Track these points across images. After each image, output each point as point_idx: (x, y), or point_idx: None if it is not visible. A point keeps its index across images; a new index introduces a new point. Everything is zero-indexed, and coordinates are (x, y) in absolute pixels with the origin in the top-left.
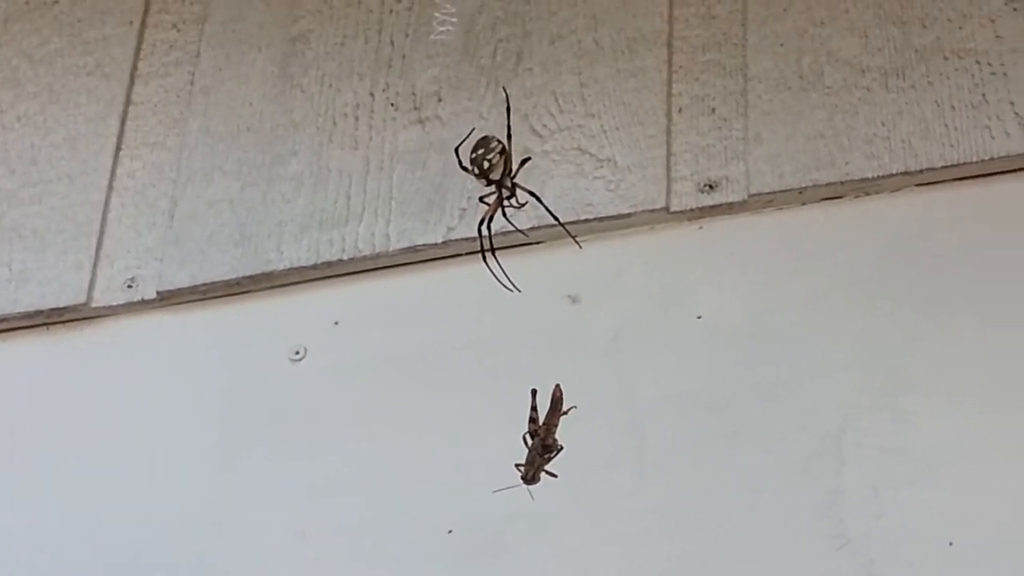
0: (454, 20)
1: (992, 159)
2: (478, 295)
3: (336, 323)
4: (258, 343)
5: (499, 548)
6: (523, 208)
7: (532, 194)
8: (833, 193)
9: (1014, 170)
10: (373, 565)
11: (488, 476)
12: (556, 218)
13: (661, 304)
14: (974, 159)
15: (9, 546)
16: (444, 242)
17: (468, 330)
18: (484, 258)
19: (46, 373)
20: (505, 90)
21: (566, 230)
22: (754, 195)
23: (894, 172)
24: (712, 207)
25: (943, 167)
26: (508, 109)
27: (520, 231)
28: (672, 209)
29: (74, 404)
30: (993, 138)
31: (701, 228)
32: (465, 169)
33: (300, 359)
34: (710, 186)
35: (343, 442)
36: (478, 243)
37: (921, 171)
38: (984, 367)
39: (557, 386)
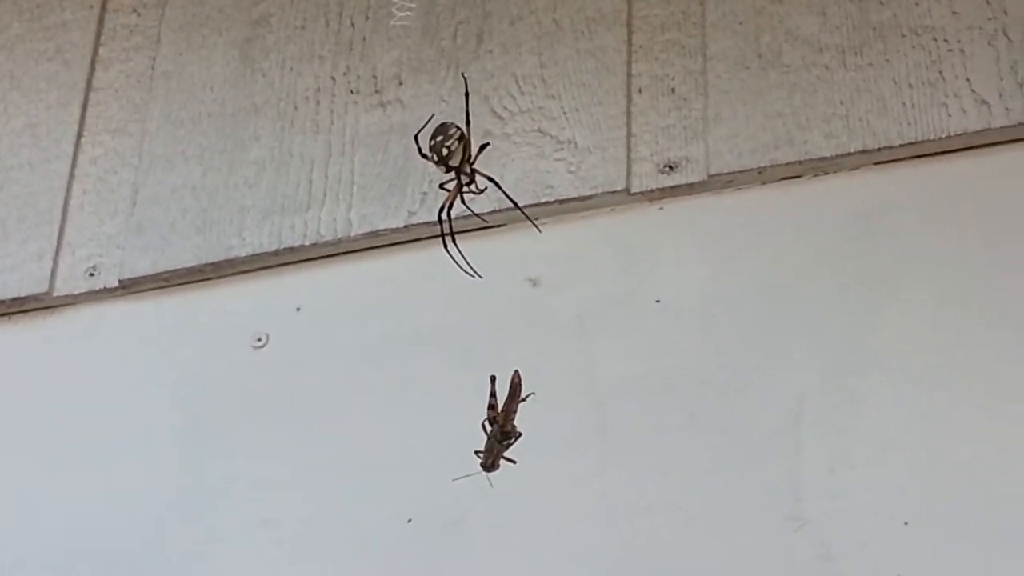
0: (412, 5)
1: (949, 136)
2: (439, 280)
3: (298, 309)
4: (220, 330)
5: (459, 535)
6: (484, 192)
7: (491, 180)
8: (792, 172)
9: (971, 147)
10: (334, 552)
11: (448, 464)
12: (516, 203)
13: (622, 286)
14: (932, 137)
15: None
16: (405, 226)
17: (429, 315)
18: (445, 245)
19: (9, 362)
20: (464, 76)
21: (526, 215)
22: (714, 175)
23: (852, 151)
24: (672, 188)
25: (901, 145)
26: (467, 95)
27: (480, 217)
28: (632, 190)
29: (37, 393)
30: (950, 116)
31: (661, 209)
32: (424, 156)
33: (262, 345)
34: (670, 167)
35: (303, 429)
36: (439, 229)
37: (879, 149)
38: (941, 346)
39: (516, 372)
